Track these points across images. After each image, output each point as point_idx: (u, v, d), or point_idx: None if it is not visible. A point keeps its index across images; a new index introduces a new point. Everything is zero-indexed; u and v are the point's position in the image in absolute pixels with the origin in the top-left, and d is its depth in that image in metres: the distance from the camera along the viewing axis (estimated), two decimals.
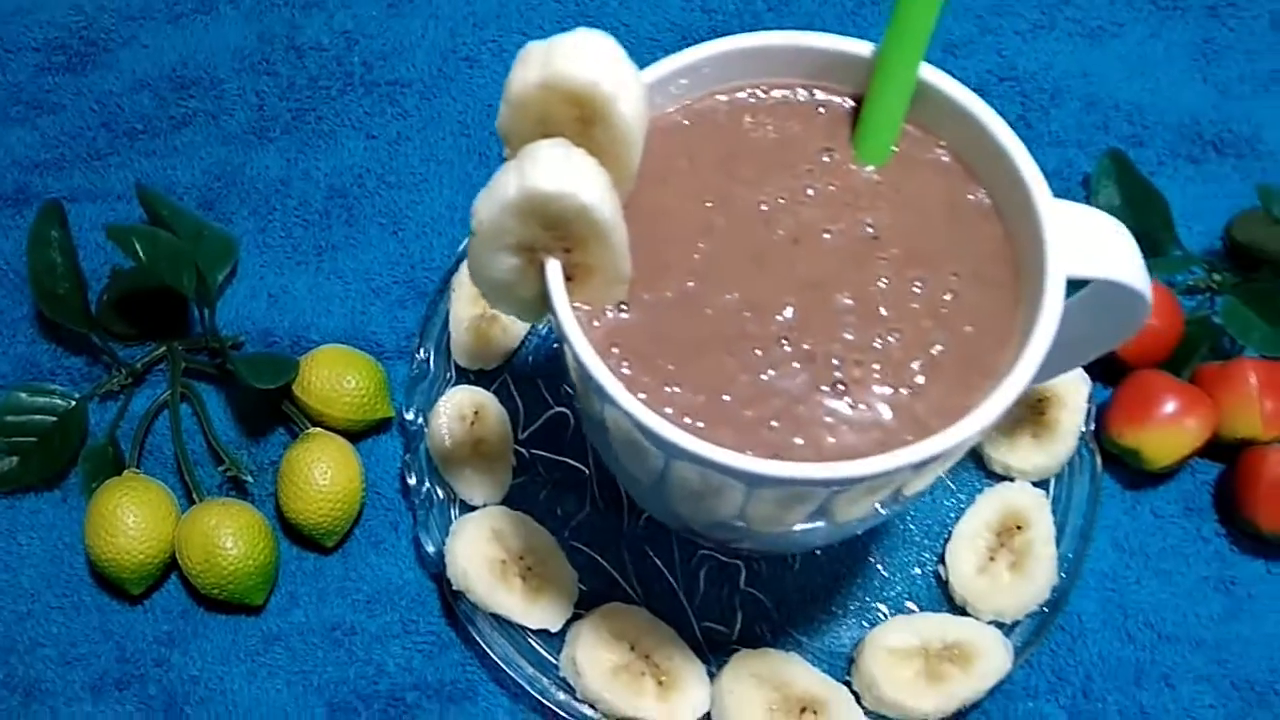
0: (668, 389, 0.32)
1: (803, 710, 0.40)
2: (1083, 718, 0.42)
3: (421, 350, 0.47)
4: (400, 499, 0.47)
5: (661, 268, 0.33)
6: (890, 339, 0.32)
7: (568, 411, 0.46)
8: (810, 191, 0.34)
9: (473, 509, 0.44)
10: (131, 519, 0.43)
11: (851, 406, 0.31)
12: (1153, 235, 0.48)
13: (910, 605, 0.43)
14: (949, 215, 0.33)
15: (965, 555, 0.43)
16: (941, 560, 0.43)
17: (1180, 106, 0.53)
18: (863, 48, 0.34)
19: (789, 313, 0.32)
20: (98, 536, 0.44)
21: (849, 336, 0.32)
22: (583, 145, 0.31)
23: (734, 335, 0.32)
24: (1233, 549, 0.45)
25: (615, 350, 0.32)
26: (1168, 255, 0.48)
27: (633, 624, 0.42)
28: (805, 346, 0.32)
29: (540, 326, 0.48)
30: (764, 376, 0.32)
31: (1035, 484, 0.44)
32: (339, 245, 0.51)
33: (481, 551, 0.42)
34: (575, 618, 0.42)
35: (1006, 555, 0.42)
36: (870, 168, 0.34)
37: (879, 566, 0.44)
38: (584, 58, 0.30)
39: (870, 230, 0.33)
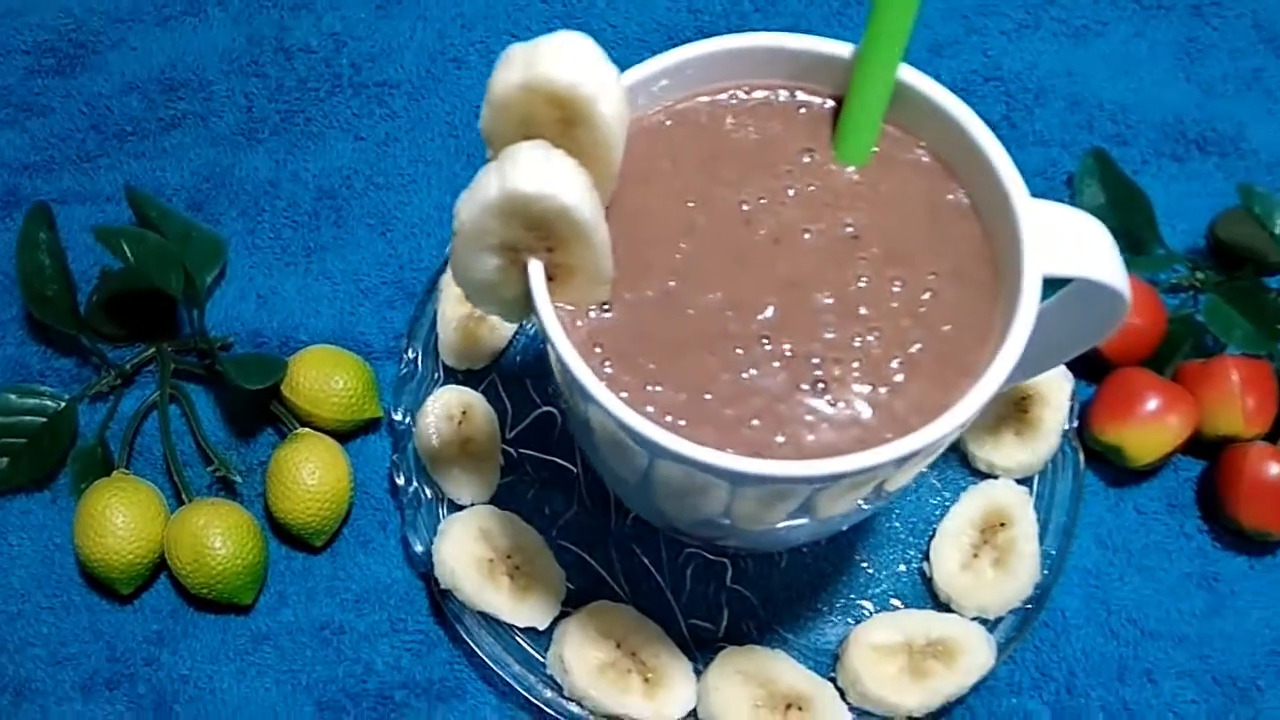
0: (650, 388, 0.32)
1: (788, 707, 0.40)
2: (1066, 714, 0.43)
3: (410, 350, 0.48)
4: (389, 498, 0.47)
5: (644, 267, 0.33)
6: (870, 338, 0.32)
7: (555, 411, 0.46)
8: (791, 192, 0.34)
9: (461, 508, 0.45)
10: (120, 519, 0.44)
11: (831, 404, 0.32)
12: (1136, 234, 0.49)
13: (895, 602, 0.43)
14: (928, 215, 0.34)
15: (949, 552, 0.43)
16: (926, 557, 0.44)
17: (1164, 105, 0.53)
18: (842, 49, 0.34)
19: (770, 312, 0.33)
20: (87, 537, 0.44)
21: (829, 335, 0.32)
22: (565, 146, 0.31)
23: (715, 334, 0.32)
24: (1215, 545, 0.45)
25: (598, 350, 0.32)
26: (1151, 254, 0.49)
27: (620, 622, 0.42)
28: (786, 345, 0.32)
29: (528, 326, 0.48)
30: (745, 375, 0.32)
31: (1019, 481, 0.44)
32: (328, 246, 0.52)
33: (469, 550, 0.43)
34: (562, 616, 0.43)
35: (990, 552, 0.43)
36: (850, 168, 0.34)
37: (864, 564, 0.44)
38: (565, 60, 0.30)
39: (850, 230, 0.33)
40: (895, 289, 0.33)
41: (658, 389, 0.32)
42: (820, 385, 0.32)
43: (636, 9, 0.56)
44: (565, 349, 0.31)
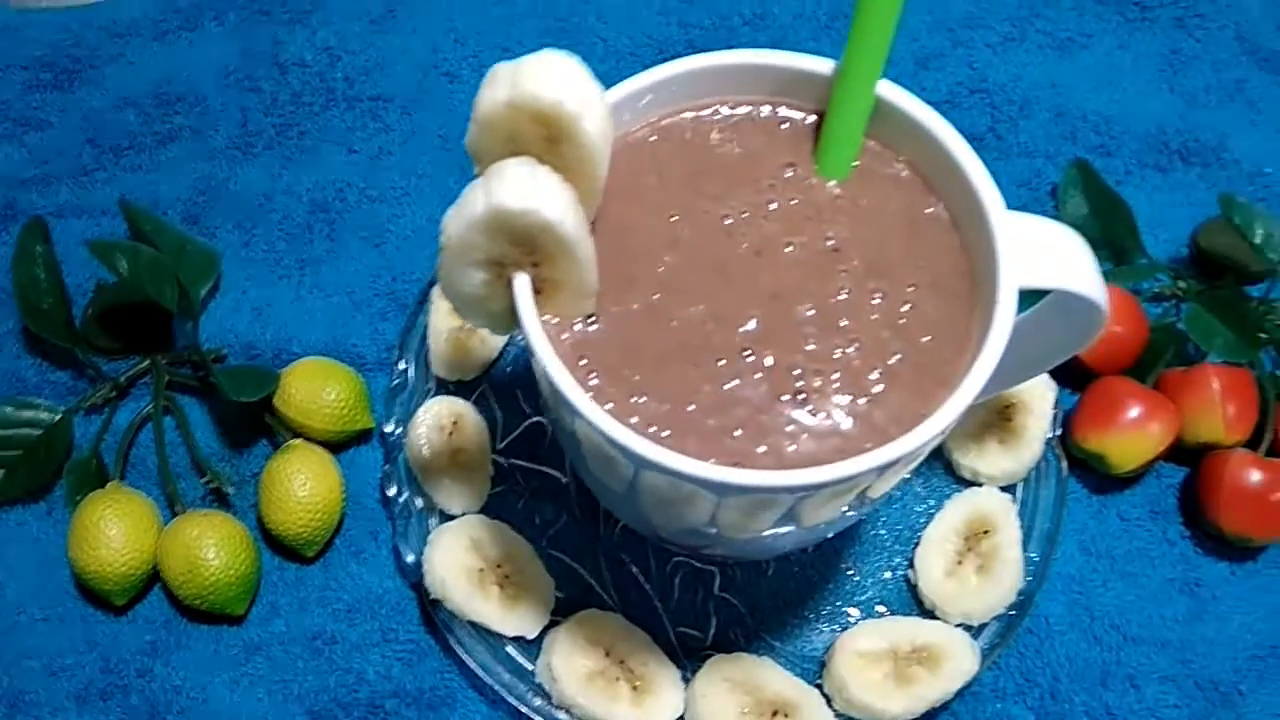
0: (634, 399, 0.32)
1: (774, 714, 0.41)
2: (1050, 718, 0.43)
3: (401, 361, 0.48)
4: (380, 509, 0.47)
5: (628, 281, 0.34)
6: (850, 349, 0.33)
7: (545, 421, 0.47)
8: (773, 205, 0.35)
9: (451, 518, 0.45)
10: (114, 531, 0.44)
11: (812, 415, 0.32)
12: (1119, 243, 0.49)
13: (880, 609, 0.44)
14: (908, 228, 0.34)
15: (934, 559, 0.43)
16: (911, 564, 0.44)
17: (1147, 116, 0.54)
18: (823, 65, 0.35)
19: (752, 324, 0.33)
20: (81, 549, 0.44)
21: (810, 347, 0.33)
22: (550, 162, 0.32)
23: (698, 346, 0.33)
24: (1197, 551, 0.46)
25: (583, 362, 0.33)
26: (1134, 263, 0.49)
27: (608, 630, 0.42)
28: (767, 357, 0.33)
29: (518, 338, 0.48)
30: (727, 386, 0.32)
31: (1003, 489, 0.45)
32: (321, 258, 0.52)
33: (459, 560, 0.43)
34: (552, 625, 0.43)
35: (974, 559, 0.43)
36: (831, 182, 0.35)
37: (851, 571, 0.45)
38: (549, 78, 0.31)
39: (831, 243, 0.34)
40: (875, 301, 0.33)
41: (642, 400, 0.32)
42: (801, 396, 0.32)
43: (627, 23, 0.57)
44: (551, 362, 0.31)
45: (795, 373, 0.32)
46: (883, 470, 0.31)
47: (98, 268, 0.52)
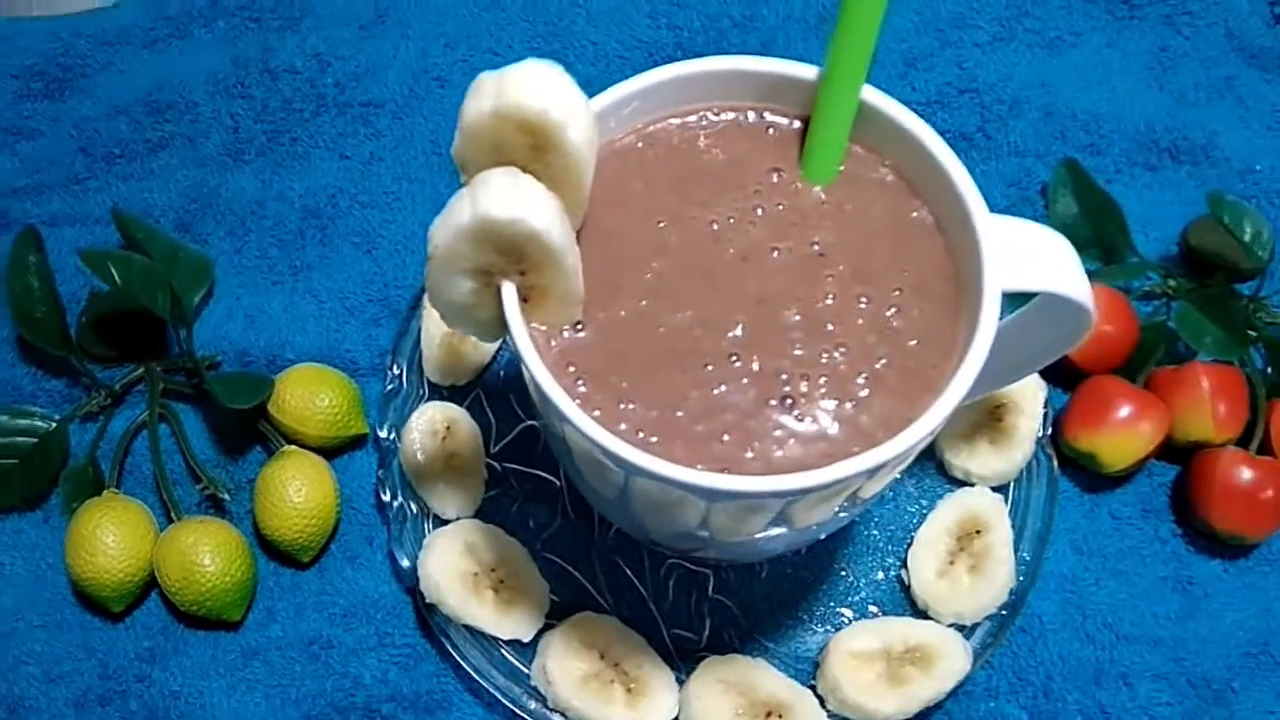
0: (622, 405, 0.33)
1: (768, 714, 0.41)
2: (1043, 717, 0.43)
3: (395, 367, 0.48)
4: (375, 514, 0.48)
5: (616, 287, 0.34)
6: (836, 354, 0.33)
7: (538, 426, 0.47)
8: (760, 211, 0.35)
9: (446, 523, 0.45)
10: (111, 538, 0.44)
11: (799, 420, 0.32)
12: (1109, 242, 0.49)
13: (873, 609, 0.44)
14: (893, 232, 0.34)
15: (926, 559, 0.44)
16: (904, 565, 0.44)
17: (1136, 115, 0.54)
18: (808, 71, 0.35)
19: (739, 329, 0.33)
20: (78, 556, 0.44)
21: (797, 352, 0.33)
22: (536, 171, 0.32)
23: (686, 352, 0.33)
24: (1189, 549, 0.46)
25: (571, 369, 0.33)
26: (1124, 262, 0.49)
27: (603, 633, 0.43)
28: (754, 362, 0.33)
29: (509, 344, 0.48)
30: (715, 392, 0.33)
31: (994, 489, 0.45)
32: (314, 265, 0.52)
33: (454, 565, 0.43)
34: (547, 628, 0.43)
35: (966, 559, 0.43)
36: (817, 187, 0.35)
37: (844, 572, 0.45)
38: (534, 87, 0.31)
39: (817, 248, 0.34)
40: (861, 305, 0.33)
41: (630, 406, 0.33)
42: (788, 401, 0.32)
43: (616, 27, 0.57)
44: (539, 369, 0.32)
45: (782, 378, 0.33)
46: (870, 474, 0.31)
47: (91, 276, 0.52)
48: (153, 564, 0.45)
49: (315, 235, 0.53)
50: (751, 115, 0.36)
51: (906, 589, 0.44)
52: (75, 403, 0.50)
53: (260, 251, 0.53)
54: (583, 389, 0.33)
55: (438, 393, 0.48)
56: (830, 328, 0.33)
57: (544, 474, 0.47)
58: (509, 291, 0.32)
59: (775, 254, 0.34)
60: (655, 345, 0.33)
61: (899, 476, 0.45)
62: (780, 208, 0.35)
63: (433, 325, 0.48)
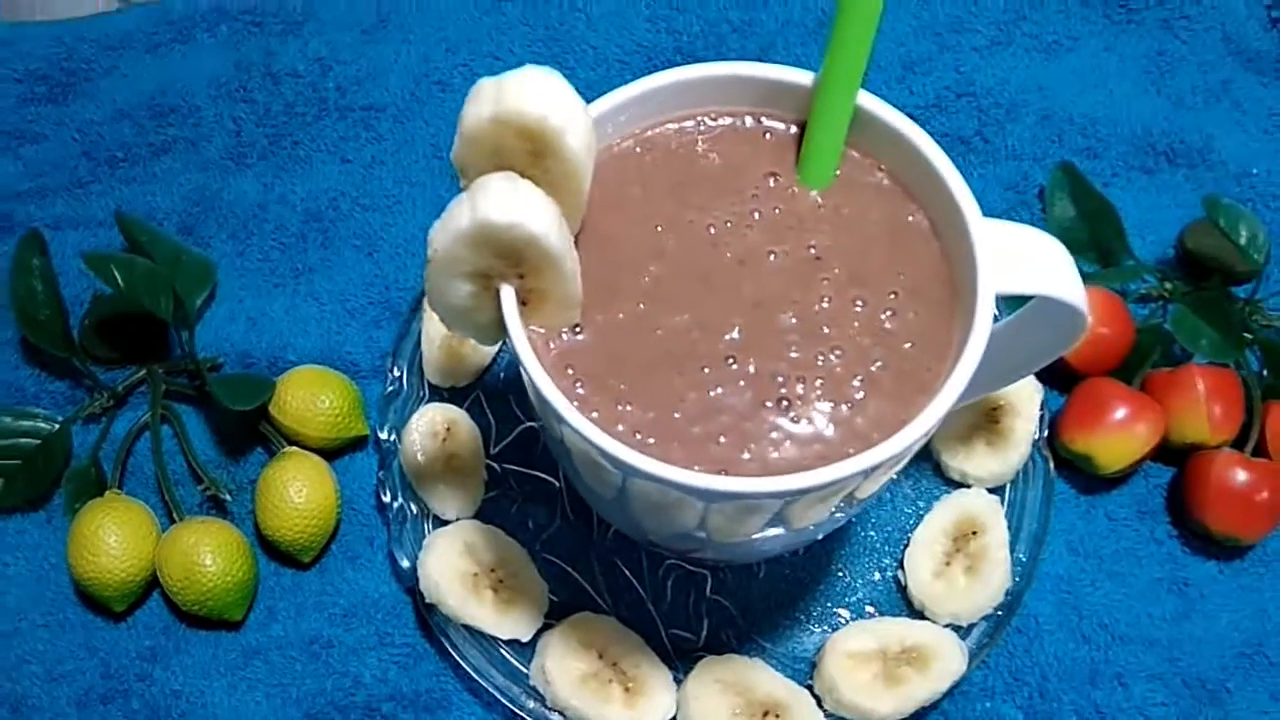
0: (620, 407, 0.33)
1: (765, 714, 0.41)
2: (1039, 717, 0.43)
3: (395, 369, 0.49)
4: (375, 515, 0.48)
5: (614, 291, 0.34)
6: (832, 356, 0.33)
7: (537, 427, 0.47)
8: (756, 215, 0.35)
9: (445, 523, 0.46)
10: (113, 539, 0.45)
11: (795, 421, 0.33)
12: (1106, 245, 0.50)
13: (870, 610, 0.44)
14: (889, 236, 0.35)
15: (922, 560, 0.44)
16: (901, 565, 0.45)
17: (1133, 118, 0.54)
18: (804, 77, 0.35)
19: (736, 332, 0.34)
20: (80, 556, 0.45)
21: (793, 354, 0.33)
22: (535, 175, 0.32)
23: (683, 354, 0.33)
24: (1184, 550, 0.46)
25: (570, 371, 0.34)
26: (1121, 265, 0.50)
27: (601, 633, 0.43)
28: (751, 364, 0.33)
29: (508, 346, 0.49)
30: (712, 394, 0.33)
31: (990, 490, 0.45)
32: (315, 267, 0.53)
33: (454, 565, 0.43)
34: (546, 628, 0.44)
35: (962, 560, 0.44)
36: (814, 191, 0.35)
37: (841, 573, 0.45)
38: (533, 94, 0.31)
39: (813, 251, 0.34)
40: (857, 309, 0.34)
41: (628, 408, 0.33)
42: (785, 403, 0.33)
43: (617, 31, 0.57)
44: (537, 372, 0.32)
45: (778, 380, 0.33)
46: (866, 475, 0.32)
47: (94, 279, 0.52)
48: (154, 564, 0.46)
49: (317, 238, 0.53)
50: (749, 120, 0.36)
51: (903, 589, 0.44)
52: (78, 404, 0.50)
53: (262, 254, 0.53)
54: (581, 391, 0.33)
55: (438, 394, 0.48)
56: (826, 330, 0.33)
57: (543, 475, 0.47)
58: (508, 295, 0.33)
59: (772, 257, 0.35)
60: (653, 348, 0.33)
61: (895, 478, 0.45)
62: (777, 212, 0.35)
63: (433, 327, 0.48)
